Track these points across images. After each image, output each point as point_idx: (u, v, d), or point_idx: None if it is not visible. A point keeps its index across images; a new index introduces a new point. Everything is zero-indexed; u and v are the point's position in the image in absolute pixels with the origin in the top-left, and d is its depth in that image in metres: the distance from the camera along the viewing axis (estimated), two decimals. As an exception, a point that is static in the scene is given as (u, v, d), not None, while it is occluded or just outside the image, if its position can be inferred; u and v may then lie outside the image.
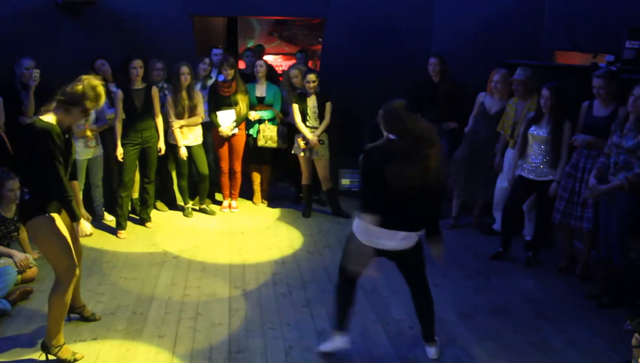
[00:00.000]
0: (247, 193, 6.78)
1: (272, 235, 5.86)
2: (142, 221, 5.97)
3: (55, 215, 3.44)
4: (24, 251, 4.73)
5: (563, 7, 6.24)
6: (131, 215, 6.04)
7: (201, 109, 6.00)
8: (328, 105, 6.07)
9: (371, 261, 3.49)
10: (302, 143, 6.13)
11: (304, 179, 6.35)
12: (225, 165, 6.36)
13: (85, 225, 3.50)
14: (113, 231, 5.73)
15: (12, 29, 6.03)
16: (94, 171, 5.80)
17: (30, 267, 4.55)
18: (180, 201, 6.41)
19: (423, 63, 6.28)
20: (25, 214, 3.49)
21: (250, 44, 9.80)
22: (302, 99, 6.08)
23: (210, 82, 6.32)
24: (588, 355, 3.78)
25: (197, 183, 6.27)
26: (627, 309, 4.23)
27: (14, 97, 5.35)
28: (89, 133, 5.52)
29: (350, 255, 3.47)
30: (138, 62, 5.50)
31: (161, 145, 5.78)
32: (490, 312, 4.33)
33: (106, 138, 5.82)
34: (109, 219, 5.98)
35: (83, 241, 3.90)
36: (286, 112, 6.43)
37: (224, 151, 6.30)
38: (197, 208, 6.42)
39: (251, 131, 6.41)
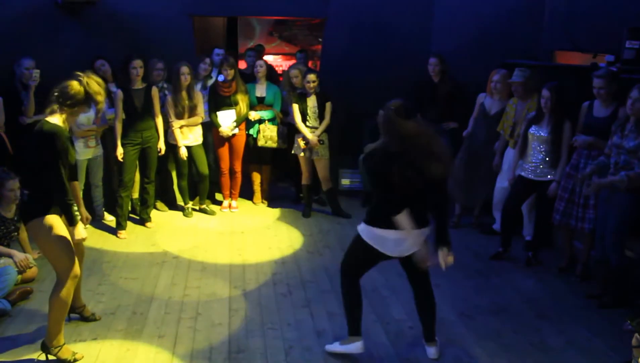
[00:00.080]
0: (247, 193, 6.78)
1: (272, 235, 5.86)
2: (142, 221, 5.97)
3: (56, 216, 3.44)
4: (24, 251, 4.73)
5: (563, 7, 6.25)
6: (131, 215, 6.04)
7: (201, 109, 6.00)
8: (328, 105, 6.07)
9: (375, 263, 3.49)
10: (302, 143, 6.13)
11: (304, 179, 6.35)
12: (225, 165, 6.36)
13: (80, 230, 3.49)
14: (113, 231, 5.73)
15: (12, 29, 6.04)
16: (94, 171, 5.80)
17: (30, 267, 4.54)
18: (180, 201, 6.41)
19: (423, 63, 6.28)
20: (26, 215, 3.49)
21: (250, 45, 9.80)
22: (302, 99, 6.08)
23: (210, 82, 6.32)
24: (588, 355, 3.78)
25: (197, 183, 6.27)
26: (627, 309, 4.23)
27: (14, 97, 5.35)
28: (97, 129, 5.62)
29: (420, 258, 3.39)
30: (138, 62, 5.50)
31: (161, 145, 5.78)
32: (490, 312, 4.33)
33: (106, 138, 5.82)
34: (109, 219, 5.98)
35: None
36: (286, 112, 6.43)
37: (224, 151, 6.30)
38: (197, 208, 6.42)
39: (251, 131, 6.41)
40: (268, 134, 6.37)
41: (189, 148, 6.00)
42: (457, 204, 6.10)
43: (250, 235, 5.84)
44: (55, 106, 3.39)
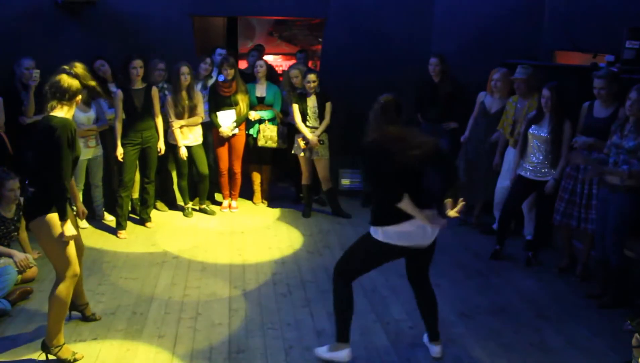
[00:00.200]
0: (247, 193, 6.78)
1: (272, 235, 5.86)
2: (142, 221, 5.97)
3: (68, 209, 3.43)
4: (24, 251, 4.73)
5: (563, 7, 6.25)
6: (131, 215, 6.04)
7: (201, 109, 6.00)
8: (328, 105, 6.07)
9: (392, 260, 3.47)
10: (302, 143, 6.13)
11: (304, 179, 6.35)
12: (224, 165, 6.36)
13: (69, 227, 3.41)
14: (113, 231, 5.73)
15: (12, 29, 6.04)
16: (94, 171, 5.80)
17: (30, 267, 4.54)
18: (180, 201, 6.41)
19: (423, 63, 6.29)
20: (28, 213, 3.48)
21: (250, 45, 9.80)
22: (302, 99, 6.08)
23: (211, 82, 6.32)
24: (588, 355, 3.77)
25: (197, 183, 6.27)
26: (627, 309, 4.23)
27: (14, 97, 5.35)
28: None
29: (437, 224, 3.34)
30: (138, 62, 5.50)
31: (161, 145, 5.78)
32: (490, 312, 4.33)
33: (106, 138, 5.82)
34: (109, 219, 5.98)
35: (83, 241, 3.91)
36: (286, 112, 6.43)
37: (224, 151, 6.29)
38: (197, 208, 6.42)
39: (251, 131, 6.41)
40: (268, 134, 6.37)
41: (189, 148, 6.00)
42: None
43: (250, 235, 5.84)
44: (55, 102, 3.39)
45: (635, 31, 4.77)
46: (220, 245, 5.55)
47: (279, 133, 6.40)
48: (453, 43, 6.62)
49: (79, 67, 3.47)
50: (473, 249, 5.51)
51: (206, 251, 5.37)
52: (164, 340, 3.84)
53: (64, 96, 3.38)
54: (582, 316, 4.27)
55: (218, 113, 6.09)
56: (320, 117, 6.09)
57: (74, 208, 3.93)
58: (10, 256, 4.48)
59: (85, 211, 4.03)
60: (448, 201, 3.39)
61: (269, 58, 9.49)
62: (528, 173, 5.00)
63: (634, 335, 3.20)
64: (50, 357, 3.54)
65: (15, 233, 4.73)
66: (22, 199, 4.61)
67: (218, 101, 6.09)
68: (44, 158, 3.36)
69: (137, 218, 6.04)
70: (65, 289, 3.49)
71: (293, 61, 8.51)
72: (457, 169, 3.65)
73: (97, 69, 5.72)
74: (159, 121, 5.74)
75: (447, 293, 4.53)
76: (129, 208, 5.91)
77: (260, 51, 7.74)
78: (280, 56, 10.48)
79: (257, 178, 6.71)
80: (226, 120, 6.11)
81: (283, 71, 8.24)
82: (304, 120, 6.11)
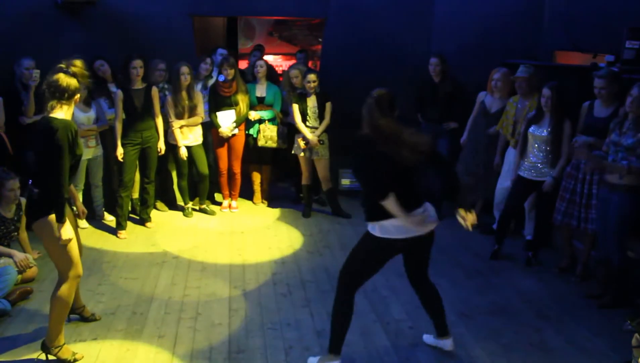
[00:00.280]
0: (247, 193, 6.78)
1: (272, 235, 5.86)
2: (142, 221, 5.97)
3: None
4: (24, 251, 4.73)
5: (563, 7, 6.25)
6: (131, 215, 6.04)
7: (201, 109, 6.00)
8: (328, 105, 6.07)
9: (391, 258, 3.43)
10: (302, 143, 6.13)
11: (304, 179, 6.35)
12: (223, 165, 6.36)
13: (67, 230, 3.39)
14: (113, 231, 5.73)
15: (12, 29, 6.04)
16: (94, 171, 5.80)
17: (30, 267, 4.54)
18: (180, 201, 6.41)
19: (423, 63, 6.29)
20: (31, 214, 3.47)
21: (249, 45, 9.80)
22: (302, 99, 6.08)
23: (211, 82, 6.32)
24: (588, 355, 3.77)
25: (197, 183, 6.27)
26: (627, 309, 4.23)
27: (14, 97, 5.35)
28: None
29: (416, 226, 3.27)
30: (138, 62, 5.50)
31: (161, 145, 5.78)
32: (490, 312, 4.33)
33: (106, 138, 5.82)
34: (109, 219, 5.98)
35: (83, 241, 3.91)
36: (286, 112, 6.43)
37: (223, 151, 6.29)
38: (197, 208, 6.42)
39: (251, 131, 6.41)
40: (268, 134, 6.37)
41: (189, 148, 6.00)
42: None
43: (250, 235, 5.84)
44: (54, 102, 3.37)
45: (635, 31, 4.78)
46: (220, 245, 5.55)
47: (279, 133, 6.40)
48: (453, 43, 6.62)
49: (77, 65, 3.46)
50: (473, 249, 5.51)
51: (206, 251, 5.37)
52: (164, 340, 3.84)
53: (63, 95, 3.37)
54: (582, 317, 4.26)
55: (218, 113, 6.09)
56: (320, 117, 6.09)
57: (74, 208, 3.93)
58: (10, 256, 4.48)
59: (85, 210, 4.03)
60: (461, 210, 3.33)
61: (269, 58, 9.50)
62: (528, 173, 5.00)
63: (634, 335, 3.20)
64: (50, 357, 3.54)
65: (15, 233, 4.73)
66: (22, 199, 4.63)
67: (218, 101, 6.09)
68: (44, 159, 3.35)
69: (137, 218, 6.04)
70: (67, 290, 3.49)
71: (293, 61, 8.51)
72: (456, 172, 3.60)
73: (97, 69, 5.72)
74: (159, 121, 5.74)
75: (447, 293, 4.50)
76: (129, 208, 5.91)
77: (261, 51, 7.76)
78: (280, 56, 10.49)
79: (257, 178, 6.71)
80: (226, 120, 6.11)
81: (283, 71, 8.25)
82: (304, 120, 6.11)
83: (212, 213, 6.38)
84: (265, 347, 3.79)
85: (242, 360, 3.65)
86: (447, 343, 3.72)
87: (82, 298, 4.07)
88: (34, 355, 3.61)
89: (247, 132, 6.38)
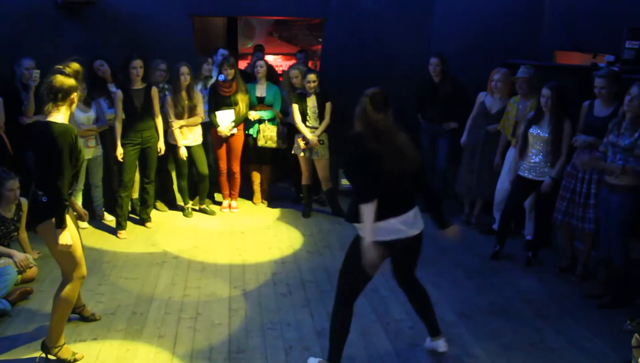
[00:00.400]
0: (247, 193, 6.78)
1: (272, 235, 5.86)
2: (142, 221, 5.97)
3: (67, 216, 3.42)
4: (24, 251, 4.73)
5: (563, 7, 6.25)
6: (131, 215, 6.04)
7: (201, 109, 6.00)
8: (328, 105, 6.07)
9: (382, 261, 3.34)
10: (302, 143, 6.13)
11: (304, 179, 6.35)
12: (223, 165, 6.36)
13: (65, 236, 3.37)
14: (113, 231, 5.73)
15: (12, 29, 6.03)
16: (94, 171, 5.80)
17: (30, 267, 4.54)
18: (180, 201, 6.41)
19: (423, 63, 6.28)
20: (36, 217, 3.45)
21: (249, 45, 9.80)
22: (302, 99, 6.08)
23: (211, 82, 6.32)
24: (588, 355, 3.78)
25: (197, 183, 6.27)
26: (627, 309, 4.23)
27: (14, 97, 5.35)
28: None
29: (365, 256, 3.19)
30: (138, 62, 5.49)
31: (161, 145, 5.78)
32: (490, 312, 4.33)
33: (106, 138, 5.82)
34: (109, 219, 5.98)
35: (83, 241, 3.90)
36: (286, 112, 6.43)
37: (222, 151, 6.30)
38: (197, 208, 6.42)
39: (251, 131, 6.41)
40: (268, 134, 6.37)
41: (188, 148, 6.00)
42: (465, 204, 6.14)
43: (250, 235, 5.84)
44: (50, 105, 3.34)
45: (635, 31, 4.78)
46: (220, 245, 5.55)
47: (279, 133, 6.40)
48: (453, 43, 6.62)
49: (72, 67, 3.44)
50: (473, 249, 5.51)
51: (206, 251, 5.37)
52: (164, 340, 3.84)
53: (57, 95, 3.34)
54: (582, 316, 4.27)
55: (217, 113, 6.09)
56: (320, 117, 6.09)
57: (75, 213, 3.91)
58: (10, 256, 4.48)
59: (86, 212, 4.02)
60: (441, 232, 3.41)
61: (269, 58, 9.50)
62: (528, 173, 5.00)
63: (633, 335, 3.20)
64: (50, 357, 3.54)
65: (15, 233, 4.73)
66: (22, 199, 4.63)
67: (218, 100, 6.09)
68: (44, 164, 3.34)
69: (137, 218, 6.04)
70: (71, 290, 3.49)
71: (293, 61, 8.51)
72: (436, 192, 3.60)
73: (96, 69, 5.73)
74: (159, 121, 5.74)
75: (447, 293, 4.53)
76: (129, 208, 5.91)
77: (262, 52, 7.76)
78: (280, 56, 10.49)
79: (257, 178, 6.71)
80: (224, 119, 6.11)
81: (283, 71, 8.25)
82: (304, 120, 6.11)
83: (212, 213, 6.38)
84: (265, 347, 3.79)
85: (242, 360, 3.65)
86: (440, 345, 3.70)
87: (82, 298, 4.07)
88: (34, 355, 3.60)
89: (247, 132, 6.39)
